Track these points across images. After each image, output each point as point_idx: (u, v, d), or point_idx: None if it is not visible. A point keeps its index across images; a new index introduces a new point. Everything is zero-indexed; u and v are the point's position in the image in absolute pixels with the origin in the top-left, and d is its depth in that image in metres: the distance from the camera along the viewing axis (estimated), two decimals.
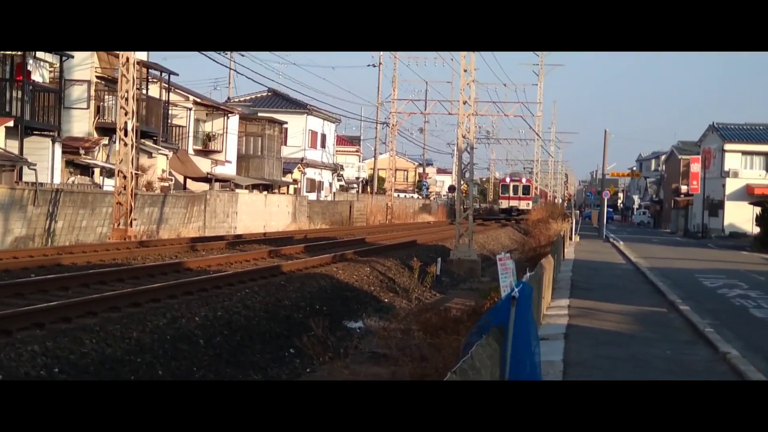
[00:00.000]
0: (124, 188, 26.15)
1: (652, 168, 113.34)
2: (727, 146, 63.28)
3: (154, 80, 40.11)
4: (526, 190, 74.02)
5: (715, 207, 62.86)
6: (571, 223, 45.53)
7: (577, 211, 75.45)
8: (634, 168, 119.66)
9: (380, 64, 60.56)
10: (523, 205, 71.62)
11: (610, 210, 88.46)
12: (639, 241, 49.74)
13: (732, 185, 61.71)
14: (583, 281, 21.23)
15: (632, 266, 27.97)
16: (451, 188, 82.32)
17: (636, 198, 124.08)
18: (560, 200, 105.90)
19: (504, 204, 74.24)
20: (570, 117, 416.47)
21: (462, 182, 33.11)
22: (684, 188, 76.36)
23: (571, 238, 40.72)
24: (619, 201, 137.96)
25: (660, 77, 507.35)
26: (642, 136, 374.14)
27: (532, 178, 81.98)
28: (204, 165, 44.86)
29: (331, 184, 68.31)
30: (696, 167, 67.91)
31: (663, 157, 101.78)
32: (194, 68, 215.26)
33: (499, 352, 7.30)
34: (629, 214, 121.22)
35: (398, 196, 72.20)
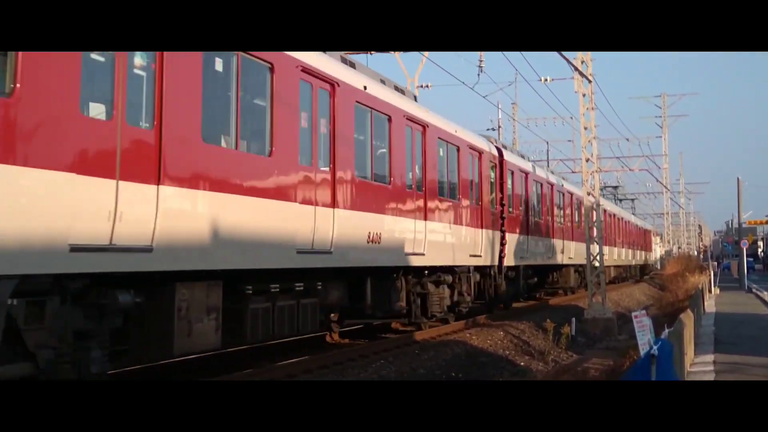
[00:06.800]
0: None
1: None
2: None
3: None
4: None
5: None
6: (709, 275, 43.99)
7: (715, 263, 72.39)
8: None
9: (499, 127, 60.69)
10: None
11: (750, 260, 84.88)
12: None
13: None
14: (727, 335, 20.36)
15: None
16: None
17: None
18: (695, 252, 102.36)
19: None
20: (700, 166, 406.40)
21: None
22: None
23: (710, 291, 39.31)
24: (760, 249, 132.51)
25: None
26: None
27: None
28: None
29: None
30: None
31: None
32: None
33: None
34: None
35: None
